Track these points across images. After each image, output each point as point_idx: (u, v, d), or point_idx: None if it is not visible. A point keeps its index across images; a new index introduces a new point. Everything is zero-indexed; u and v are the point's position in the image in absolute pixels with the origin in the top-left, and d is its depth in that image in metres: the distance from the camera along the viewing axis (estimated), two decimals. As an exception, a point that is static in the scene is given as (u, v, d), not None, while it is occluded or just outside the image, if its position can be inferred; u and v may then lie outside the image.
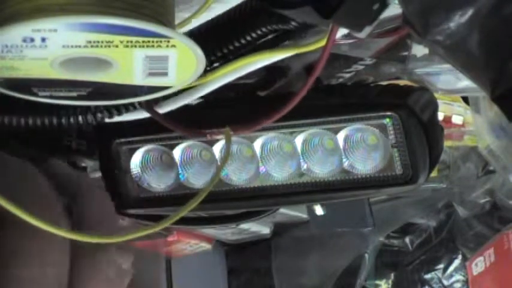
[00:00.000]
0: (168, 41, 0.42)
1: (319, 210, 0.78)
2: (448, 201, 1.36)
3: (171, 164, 0.67)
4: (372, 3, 0.50)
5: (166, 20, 0.43)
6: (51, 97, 0.48)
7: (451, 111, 1.01)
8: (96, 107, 0.54)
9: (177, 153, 0.66)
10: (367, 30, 0.52)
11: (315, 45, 0.55)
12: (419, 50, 0.67)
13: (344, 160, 0.64)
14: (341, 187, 0.65)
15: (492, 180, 1.26)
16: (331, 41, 0.54)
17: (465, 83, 0.74)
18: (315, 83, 0.66)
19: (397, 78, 0.70)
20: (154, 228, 0.32)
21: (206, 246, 1.33)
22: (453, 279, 1.42)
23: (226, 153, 0.40)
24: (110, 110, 0.54)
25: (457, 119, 1.01)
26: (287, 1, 0.51)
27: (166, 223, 0.33)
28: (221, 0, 0.56)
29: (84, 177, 0.65)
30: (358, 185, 0.64)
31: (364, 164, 0.64)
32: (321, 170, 0.65)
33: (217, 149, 0.66)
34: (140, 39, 0.41)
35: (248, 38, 0.55)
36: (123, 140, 0.66)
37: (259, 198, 0.67)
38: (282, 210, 1.17)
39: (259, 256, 1.51)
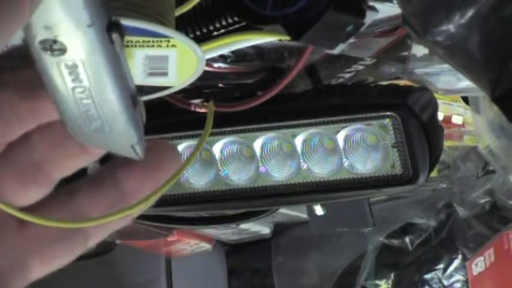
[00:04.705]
0: (168, 41, 0.42)
1: (319, 210, 0.78)
2: (448, 201, 1.36)
3: (171, 164, 0.67)
4: (344, 26, 0.50)
5: (166, 20, 0.43)
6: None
7: (451, 111, 1.01)
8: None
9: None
10: (341, 46, 0.52)
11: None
12: (419, 50, 0.67)
13: (344, 160, 0.64)
14: (341, 187, 0.65)
15: (492, 180, 1.26)
16: (303, 59, 0.54)
17: (465, 83, 0.74)
18: (315, 83, 0.66)
19: (397, 78, 0.70)
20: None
21: (206, 246, 1.33)
22: (453, 279, 1.42)
23: (208, 126, 0.42)
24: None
25: (457, 119, 1.01)
26: (260, 17, 0.51)
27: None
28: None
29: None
30: (358, 185, 0.65)
31: (364, 164, 0.64)
32: (321, 170, 0.65)
33: (217, 149, 0.66)
34: (140, 39, 0.41)
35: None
36: (123, 140, 0.66)
37: (259, 198, 0.67)
38: (282, 210, 1.17)
39: (259, 256, 1.51)
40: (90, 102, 0.29)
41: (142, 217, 0.78)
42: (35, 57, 0.28)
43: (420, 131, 0.61)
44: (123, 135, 0.31)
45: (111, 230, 0.34)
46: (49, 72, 0.28)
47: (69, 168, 0.33)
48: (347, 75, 0.67)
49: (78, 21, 0.27)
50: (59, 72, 0.28)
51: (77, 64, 0.28)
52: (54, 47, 0.27)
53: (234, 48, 0.57)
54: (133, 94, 0.31)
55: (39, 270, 0.33)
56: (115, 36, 0.28)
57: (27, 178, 0.32)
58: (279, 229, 1.44)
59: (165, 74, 0.45)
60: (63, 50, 0.27)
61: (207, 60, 0.53)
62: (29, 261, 0.33)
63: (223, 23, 0.55)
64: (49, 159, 0.32)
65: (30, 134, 0.32)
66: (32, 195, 0.33)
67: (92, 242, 0.34)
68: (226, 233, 1.32)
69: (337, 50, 0.52)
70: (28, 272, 0.33)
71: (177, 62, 0.44)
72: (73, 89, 0.29)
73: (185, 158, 0.66)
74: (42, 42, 0.27)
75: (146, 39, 0.41)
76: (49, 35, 0.27)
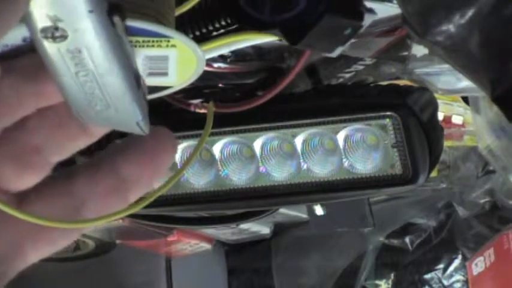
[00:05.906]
0: (168, 41, 0.42)
1: (319, 210, 0.78)
2: (448, 201, 1.36)
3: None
4: (342, 30, 0.50)
5: (166, 20, 0.43)
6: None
7: (451, 111, 1.01)
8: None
9: (177, 153, 0.66)
10: (339, 50, 0.52)
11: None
12: (419, 50, 0.67)
13: (344, 160, 0.64)
14: (341, 187, 0.65)
15: (492, 180, 1.26)
16: (303, 59, 0.54)
17: (465, 83, 0.74)
18: (315, 83, 0.66)
19: (397, 78, 0.70)
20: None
21: (206, 246, 1.33)
22: (453, 279, 1.42)
23: (208, 126, 0.42)
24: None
25: (457, 119, 1.01)
26: (258, 22, 0.51)
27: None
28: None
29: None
30: (358, 185, 0.64)
31: (364, 164, 0.64)
32: (321, 170, 0.65)
33: (217, 149, 0.66)
34: (140, 38, 0.41)
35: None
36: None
37: (259, 198, 0.67)
38: (282, 210, 1.17)
39: (259, 256, 1.51)
40: (94, 84, 0.30)
41: (142, 217, 0.78)
42: (37, 45, 0.28)
43: (420, 131, 0.61)
44: (129, 114, 0.31)
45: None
46: (52, 59, 0.28)
47: (67, 150, 0.33)
48: (347, 75, 0.68)
49: (79, 7, 0.27)
50: (61, 58, 0.28)
51: (79, 49, 0.28)
52: (56, 34, 0.27)
53: (234, 48, 0.57)
54: (136, 74, 0.31)
55: (37, 253, 0.33)
56: (116, 19, 0.28)
57: (24, 162, 0.32)
58: (279, 229, 1.44)
59: (165, 74, 0.45)
60: (64, 37, 0.28)
61: (207, 60, 0.53)
62: (26, 245, 0.33)
63: (223, 23, 0.55)
64: (47, 142, 0.32)
65: (28, 118, 0.32)
66: (29, 179, 0.33)
67: (88, 228, 0.34)
68: (226, 233, 1.32)
69: (335, 53, 0.52)
70: (26, 255, 0.33)
71: (177, 62, 0.44)
72: (76, 73, 0.29)
73: (185, 158, 0.66)
74: (44, 30, 0.27)
75: (146, 39, 0.41)
76: (50, 22, 0.27)
